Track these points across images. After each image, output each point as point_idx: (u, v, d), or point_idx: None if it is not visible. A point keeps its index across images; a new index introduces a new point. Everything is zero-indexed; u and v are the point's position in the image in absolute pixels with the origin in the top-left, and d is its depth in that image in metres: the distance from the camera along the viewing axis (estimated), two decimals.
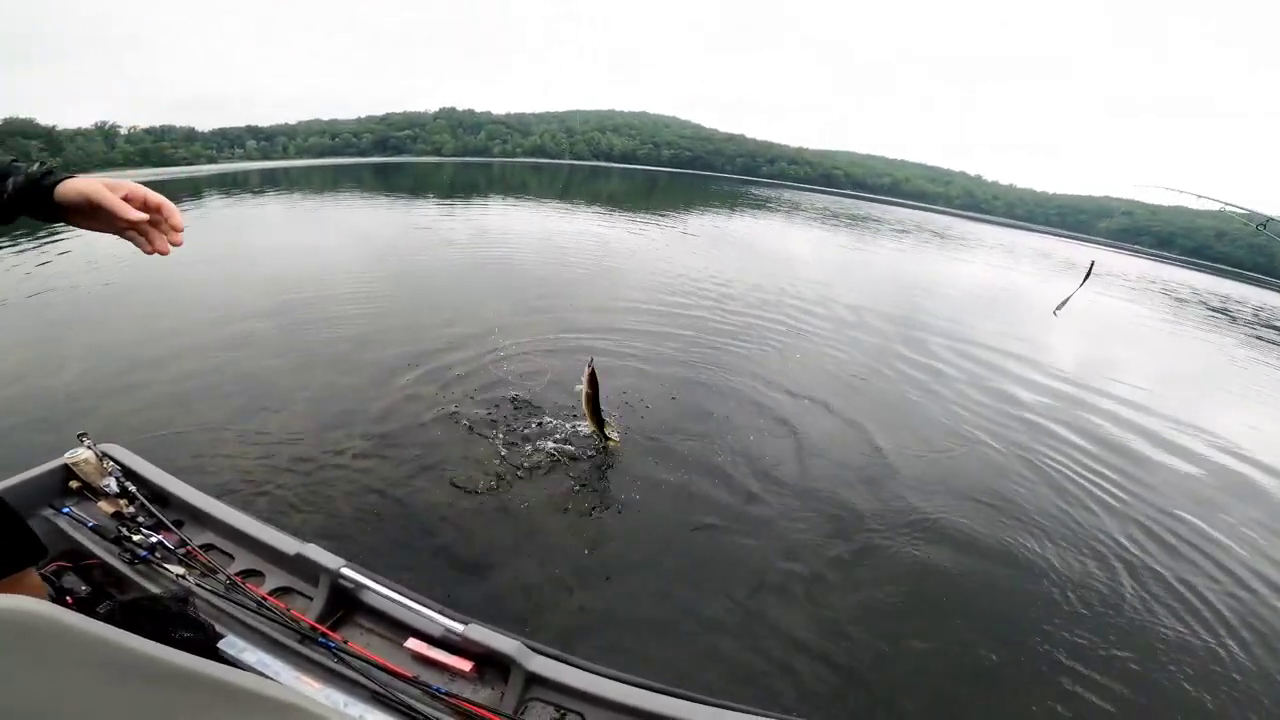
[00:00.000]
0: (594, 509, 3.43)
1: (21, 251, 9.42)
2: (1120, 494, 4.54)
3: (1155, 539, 3.97)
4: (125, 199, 0.91)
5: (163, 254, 0.98)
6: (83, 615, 0.58)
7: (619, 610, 2.76)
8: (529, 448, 3.81)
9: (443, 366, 5.03)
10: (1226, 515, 4.48)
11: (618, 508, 3.47)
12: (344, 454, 3.67)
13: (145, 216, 0.93)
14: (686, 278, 9.69)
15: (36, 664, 0.54)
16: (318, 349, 5.40)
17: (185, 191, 24.93)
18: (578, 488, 3.55)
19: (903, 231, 28.27)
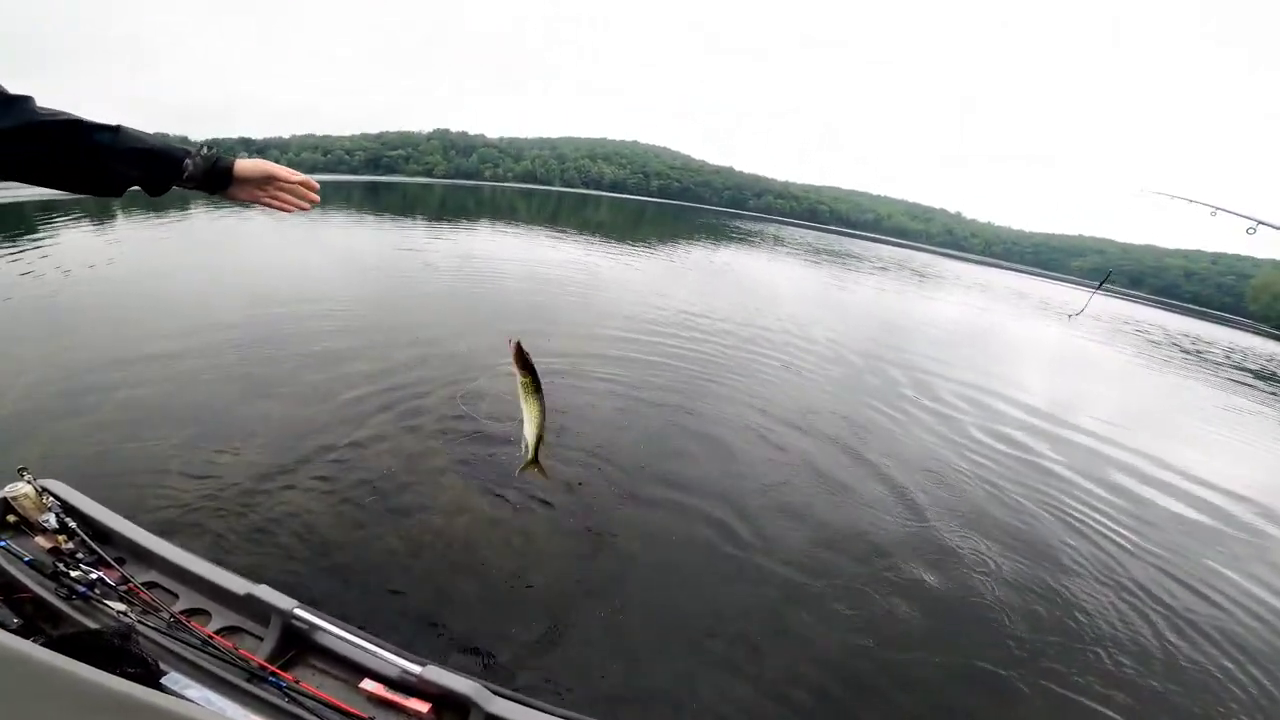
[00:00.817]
0: (563, 548, 3.45)
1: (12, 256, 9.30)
2: (1126, 533, 4.68)
3: (1180, 585, 4.10)
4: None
5: (304, 210, 1.29)
6: (29, 642, 0.56)
7: (586, 653, 2.77)
8: (493, 487, 3.81)
9: (411, 397, 4.95)
10: (1240, 557, 4.65)
11: (589, 545, 3.49)
12: (299, 490, 3.57)
13: (304, 178, 1.26)
14: (670, 308, 9.84)
15: None
16: (280, 374, 5.29)
17: (174, 203, 24.81)
18: (544, 526, 3.57)
19: (883, 269, 28.92)
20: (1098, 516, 4.96)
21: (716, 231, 36.68)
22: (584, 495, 3.94)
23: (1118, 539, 4.63)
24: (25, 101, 1.03)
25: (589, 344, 6.98)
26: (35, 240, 11.48)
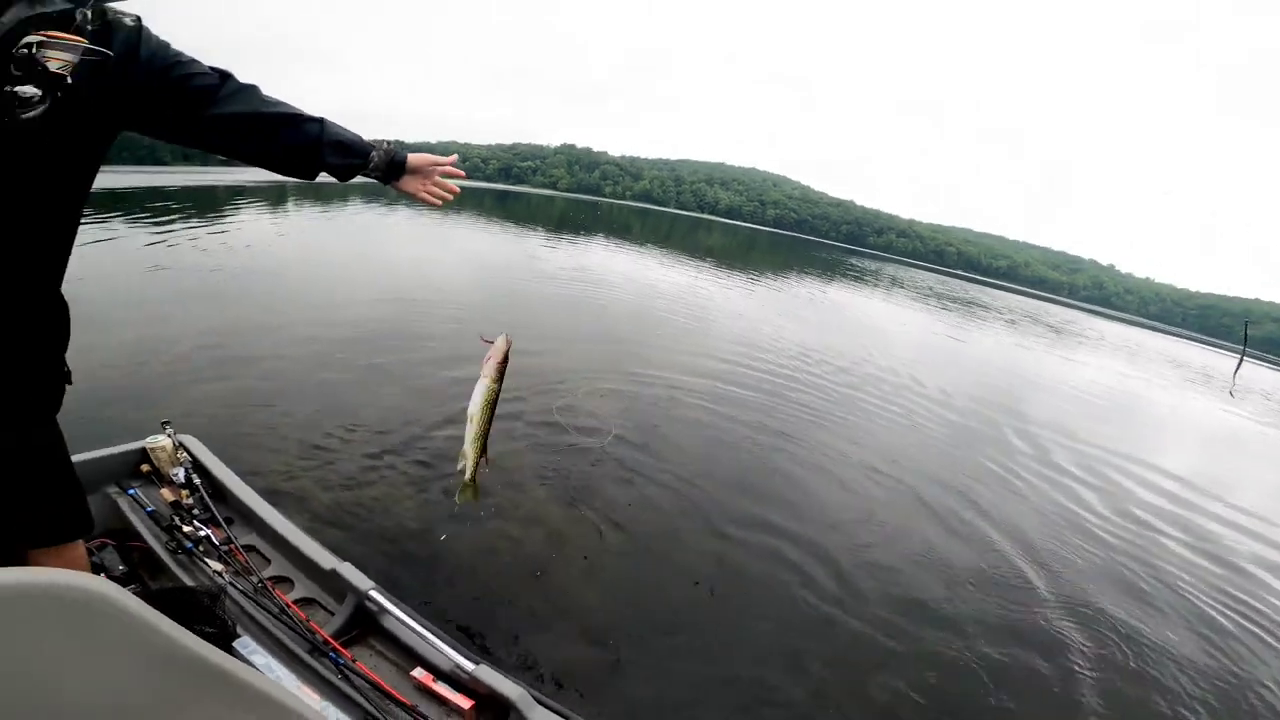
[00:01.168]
0: (632, 573, 3.37)
1: (190, 233, 10.80)
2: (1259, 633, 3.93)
3: None
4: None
5: (447, 200, 1.45)
6: (126, 590, 0.63)
7: (637, 682, 2.67)
8: (574, 502, 3.76)
9: (511, 399, 5.02)
10: None
11: (660, 574, 3.39)
12: (392, 476, 3.73)
13: (454, 161, 1.44)
14: (777, 341, 9.55)
15: (90, 640, 0.59)
16: (405, 364, 5.65)
17: (336, 198, 27.88)
18: (617, 547, 3.52)
19: (1012, 321, 26.56)
20: (1235, 616, 4.18)
21: (831, 267, 35.55)
22: (662, 521, 3.85)
23: (1248, 643, 3.86)
24: (253, 90, 1.16)
25: (689, 368, 6.91)
26: (219, 220, 13.25)
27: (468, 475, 1.45)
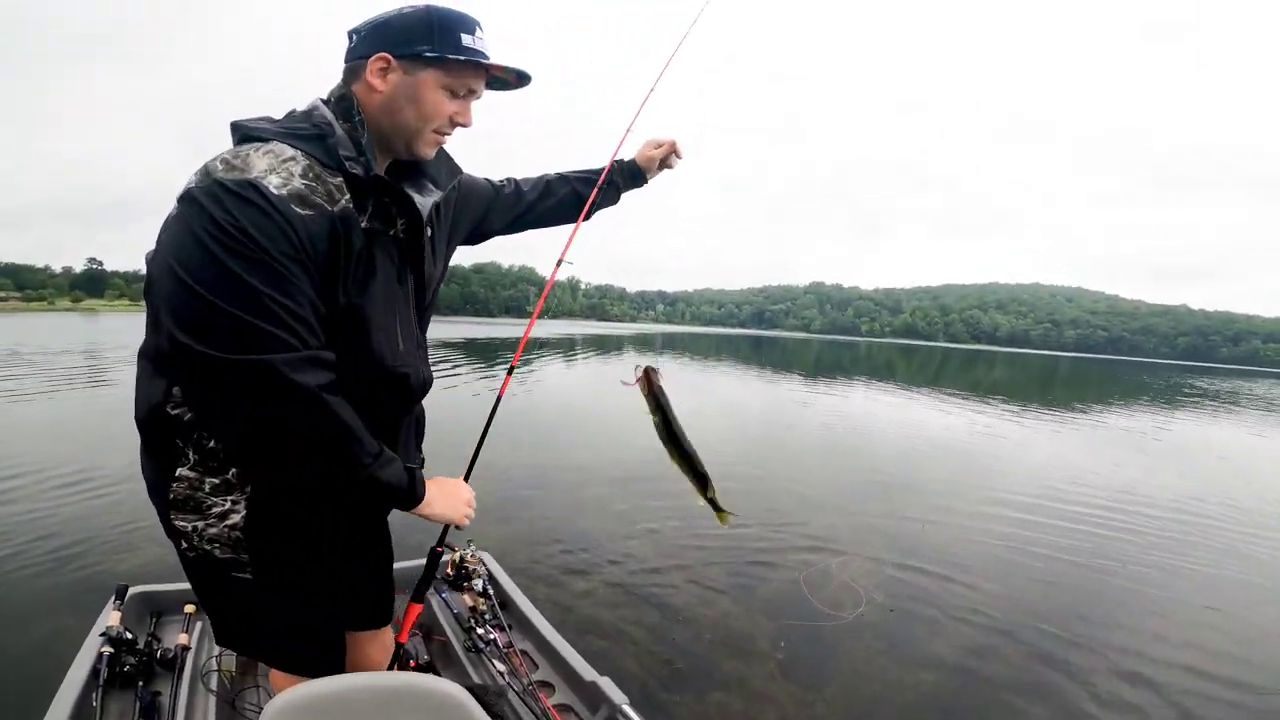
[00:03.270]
0: None
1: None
2: None
3: None
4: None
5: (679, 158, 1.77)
6: (475, 700, 0.93)
7: None
8: (807, 683, 3.12)
9: (757, 560, 4.66)
10: None
11: None
12: (632, 609, 3.82)
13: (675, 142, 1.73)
14: (1109, 493, 7.43)
15: None
16: (653, 507, 5.67)
17: (613, 347, 32.22)
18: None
19: None
20: None
21: (1167, 393, 27.73)
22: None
23: None
24: (543, 179, 1.65)
25: (972, 532, 5.62)
26: (527, 366, 16.02)
27: (700, 503, 1.48)
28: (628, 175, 1.70)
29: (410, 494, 1.11)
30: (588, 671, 2.01)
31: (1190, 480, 8.76)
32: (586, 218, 1.63)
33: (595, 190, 1.62)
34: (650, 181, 1.75)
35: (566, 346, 31.22)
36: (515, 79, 1.14)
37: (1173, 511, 6.91)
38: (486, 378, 15.52)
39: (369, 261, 1.04)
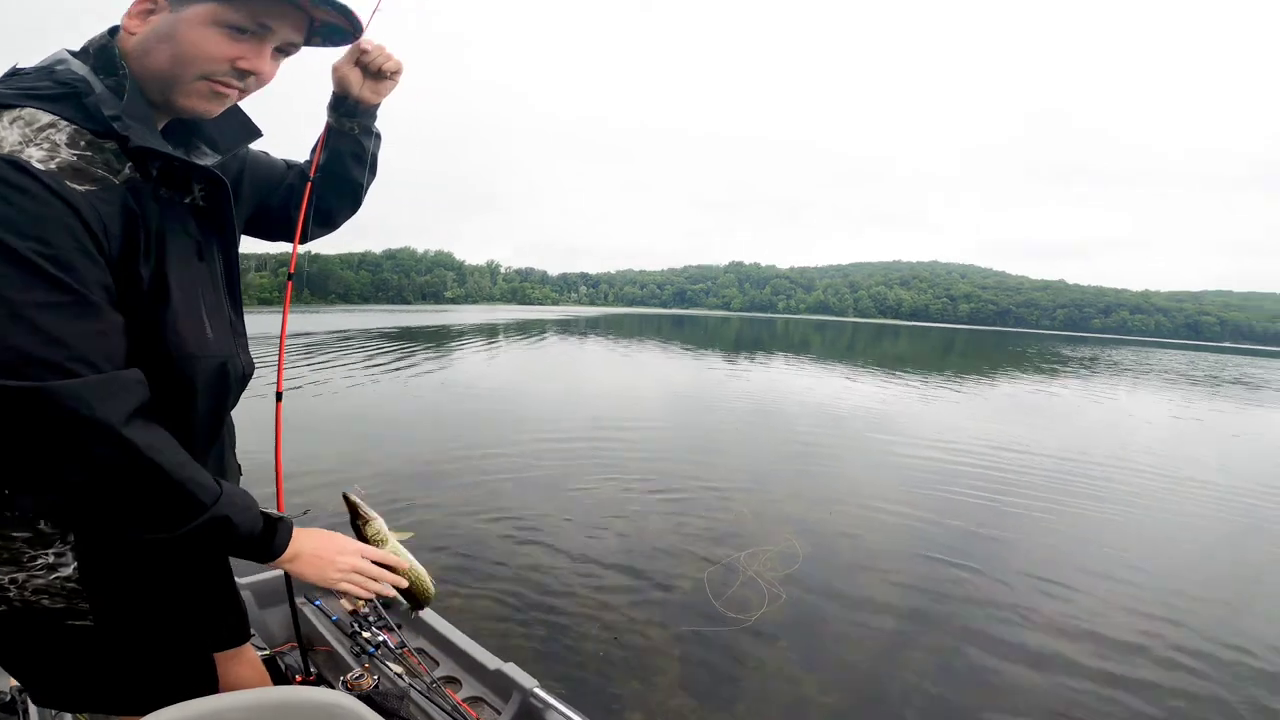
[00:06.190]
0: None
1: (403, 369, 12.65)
2: None
3: None
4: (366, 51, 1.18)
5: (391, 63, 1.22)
6: (366, 706, 0.86)
7: None
8: (707, 687, 3.07)
9: (663, 555, 4.52)
10: None
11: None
12: (575, 594, 3.78)
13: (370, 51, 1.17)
14: (987, 449, 8.04)
15: None
16: (575, 489, 5.74)
17: (535, 330, 31.64)
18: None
19: None
20: None
21: (1049, 359, 30.54)
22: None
23: None
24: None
25: (878, 503, 5.92)
26: (443, 354, 15.48)
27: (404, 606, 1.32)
28: (340, 112, 1.25)
29: (263, 545, 0.93)
30: (491, 660, 1.98)
31: (1065, 439, 9.68)
32: (332, 175, 1.26)
33: (320, 140, 1.27)
34: (370, 99, 1.24)
35: (487, 333, 30.27)
36: (344, 19, 0.92)
37: (1052, 470, 7.58)
38: (374, 368, 14.77)
39: (163, 237, 0.87)
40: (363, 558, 1.08)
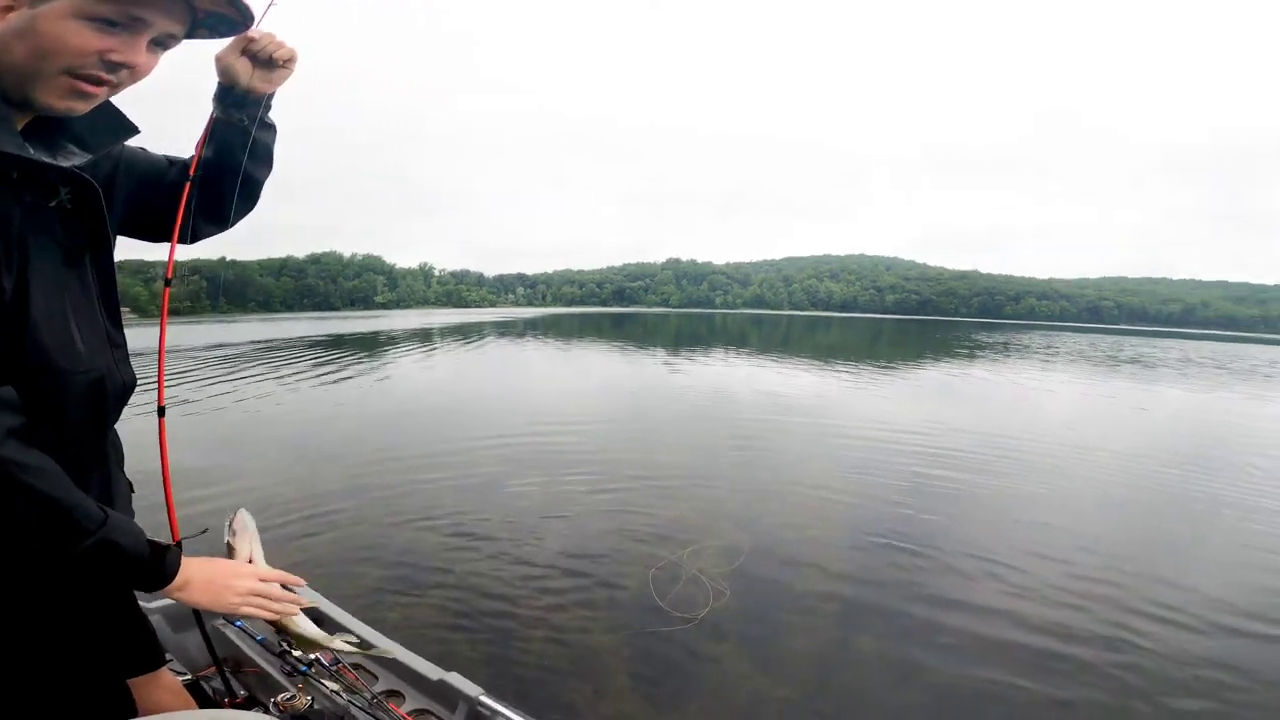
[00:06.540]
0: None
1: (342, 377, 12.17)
2: None
3: None
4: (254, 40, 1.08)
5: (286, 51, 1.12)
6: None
7: None
8: (646, 689, 3.10)
9: (611, 557, 4.47)
10: None
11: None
12: (520, 603, 3.74)
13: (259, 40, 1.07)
14: (917, 432, 8.57)
15: None
16: (514, 492, 5.67)
17: (474, 333, 30.99)
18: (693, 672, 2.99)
19: (1184, 373, 21.45)
20: None
21: (965, 345, 32.64)
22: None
23: None
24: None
25: (822, 492, 6.20)
26: (376, 361, 14.94)
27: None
28: (227, 103, 1.16)
29: (154, 571, 0.89)
30: (434, 671, 1.94)
31: (987, 420, 10.39)
32: (216, 169, 1.17)
33: (204, 134, 1.18)
34: (262, 89, 1.16)
35: (422, 338, 29.36)
36: (231, 9, 0.88)
37: (978, 449, 8.09)
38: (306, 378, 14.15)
39: (25, 243, 0.82)
40: (260, 580, 1.06)
